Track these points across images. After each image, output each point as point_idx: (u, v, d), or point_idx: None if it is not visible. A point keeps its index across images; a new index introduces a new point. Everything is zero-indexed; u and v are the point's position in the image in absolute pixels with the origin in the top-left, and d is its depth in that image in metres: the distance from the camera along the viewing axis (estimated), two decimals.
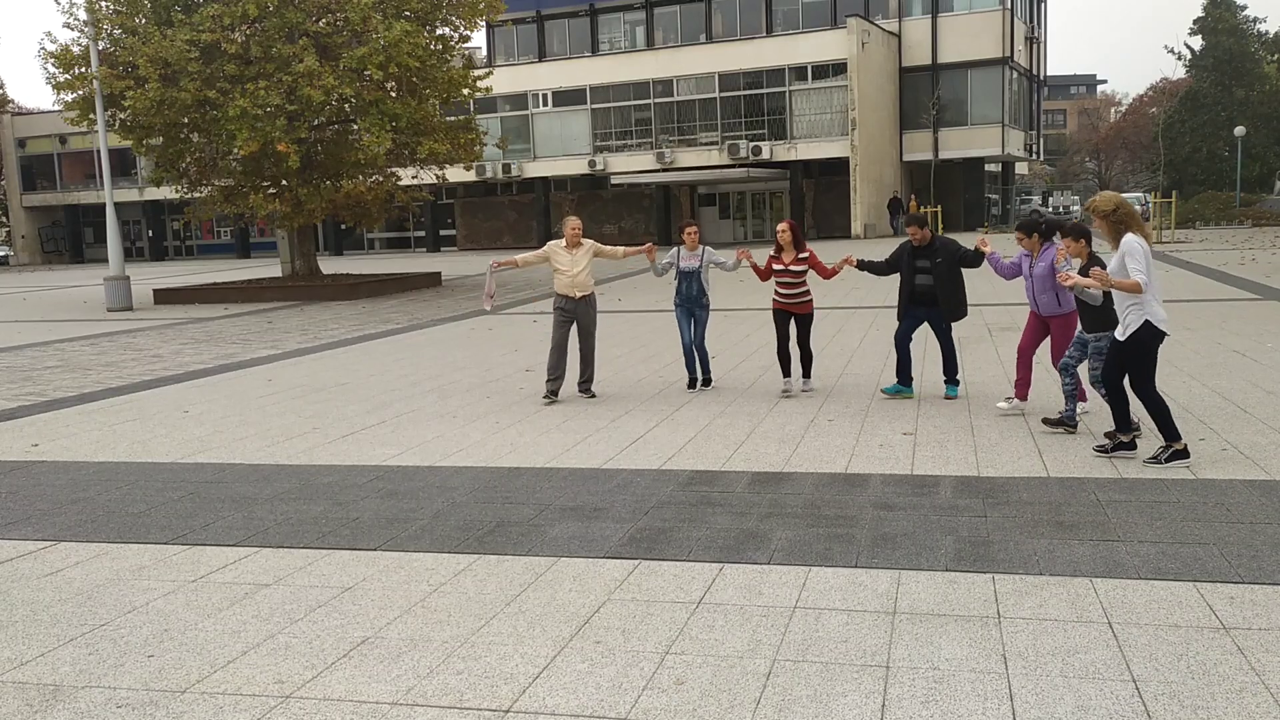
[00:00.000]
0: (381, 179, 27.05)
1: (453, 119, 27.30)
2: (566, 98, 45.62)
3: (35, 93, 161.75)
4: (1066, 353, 7.58)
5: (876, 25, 42.53)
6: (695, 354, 10.09)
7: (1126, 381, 6.64)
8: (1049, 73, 59.65)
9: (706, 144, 43.47)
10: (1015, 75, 45.33)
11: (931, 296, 8.95)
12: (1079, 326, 7.47)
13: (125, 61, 23.04)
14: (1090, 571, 4.79)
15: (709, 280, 9.99)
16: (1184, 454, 6.54)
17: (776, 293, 9.65)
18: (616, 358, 11.93)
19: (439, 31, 25.92)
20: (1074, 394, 7.54)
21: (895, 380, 9.32)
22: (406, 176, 28.74)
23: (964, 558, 5.03)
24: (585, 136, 45.58)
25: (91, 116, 24.12)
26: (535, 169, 46.58)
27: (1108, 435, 6.95)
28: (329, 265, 34.05)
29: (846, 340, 12.99)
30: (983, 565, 4.92)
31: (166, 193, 30.16)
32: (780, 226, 9.56)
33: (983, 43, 42.91)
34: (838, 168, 41.92)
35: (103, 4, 24.11)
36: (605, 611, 4.54)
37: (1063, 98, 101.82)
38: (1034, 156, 52.88)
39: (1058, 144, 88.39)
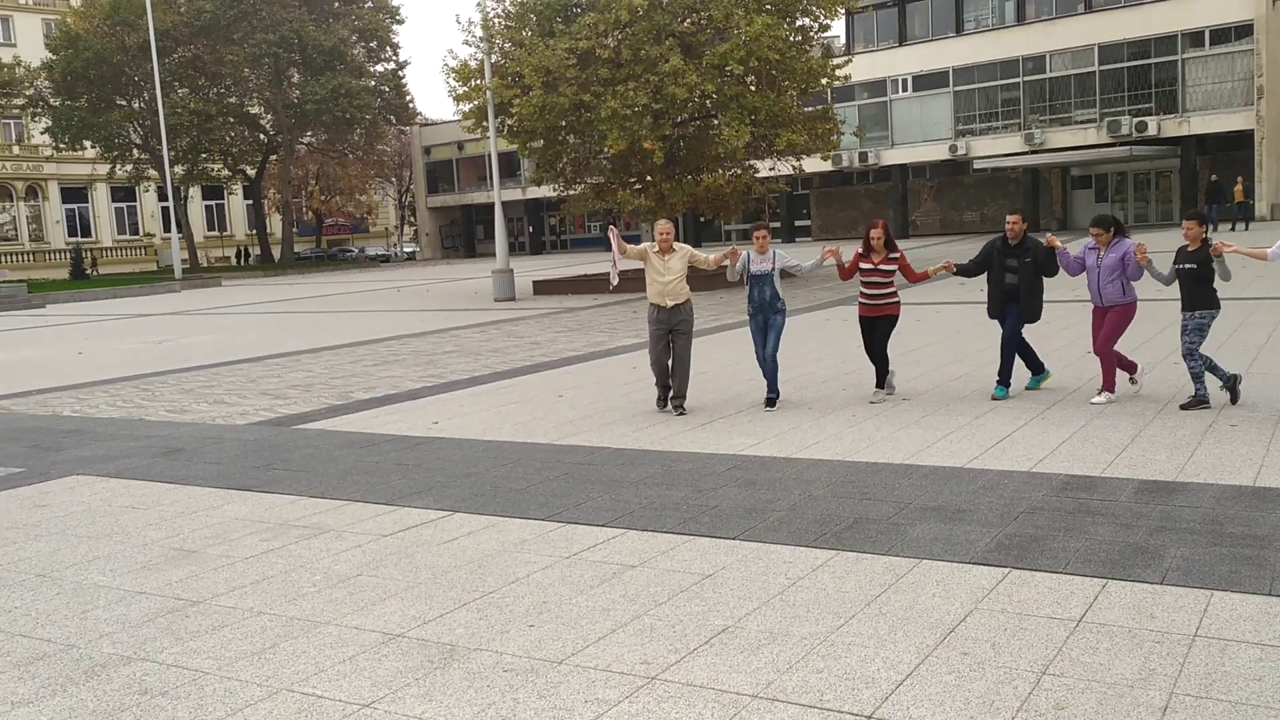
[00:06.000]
0: (740, 172, 27.55)
1: (810, 109, 27.27)
2: (927, 81, 44.13)
3: (437, 105, 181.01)
4: (1189, 339, 8.06)
5: None
6: (765, 367, 9.41)
7: None
8: None
9: (1082, 122, 40.37)
10: None
11: (1015, 295, 8.96)
12: (1189, 309, 8.11)
13: (513, 72, 25.09)
14: None
15: (781, 286, 9.36)
16: None
17: (862, 294, 9.36)
18: (979, 351, 11.35)
19: (799, 23, 25.97)
20: (1201, 375, 8.09)
21: (1031, 375, 9.30)
22: (764, 168, 29.08)
23: None
24: (946, 120, 43.86)
25: (484, 124, 26.50)
26: (893, 156, 45.48)
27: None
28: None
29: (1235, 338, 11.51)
30: None
31: (545, 191, 32.57)
32: (875, 232, 9.20)
33: None
34: (1238, 142, 37.38)
35: (496, 20, 26.43)
36: (972, 621, 4.31)
37: None
38: None
39: None
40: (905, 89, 44.79)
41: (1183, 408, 8.08)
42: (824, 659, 4.04)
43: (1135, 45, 39.01)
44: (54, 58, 50.71)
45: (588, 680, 3.99)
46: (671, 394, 9.35)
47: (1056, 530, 5.38)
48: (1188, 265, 8.18)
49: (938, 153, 44.17)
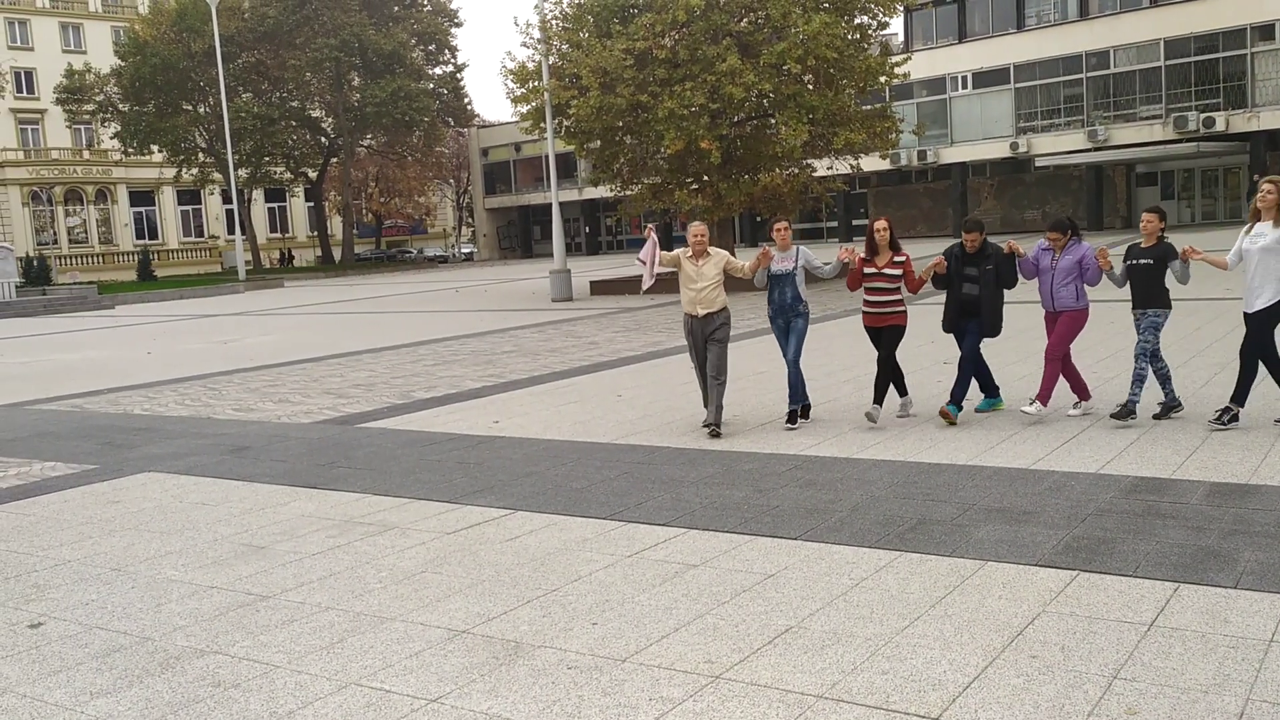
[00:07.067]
0: (797, 171, 27.41)
1: (868, 107, 27.05)
2: (988, 78, 43.56)
3: (495, 107, 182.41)
4: (1144, 339, 7.79)
5: None
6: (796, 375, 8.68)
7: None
8: None
9: (1147, 118, 39.57)
10: None
11: (976, 308, 8.32)
12: (1141, 308, 7.83)
13: (570, 73, 25.22)
14: None
15: (804, 286, 8.83)
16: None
17: (865, 302, 8.62)
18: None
19: (857, 20, 25.79)
20: (1143, 379, 7.76)
21: (983, 397, 8.73)
22: (822, 168, 28.91)
23: None
24: (1007, 118, 43.28)
25: (542, 125, 26.68)
26: (952, 154, 44.99)
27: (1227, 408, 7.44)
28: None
29: None
30: None
31: (601, 192, 32.72)
32: (879, 225, 8.49)
33: None
34: None
35: (553, 22, 26.60)
36: (1040, 624, 4.25)
37: None
38: None
39: None
40: (965, 86, 44.26)
41: (1113, 416, 7.70)
42: (889, 660, 4.01)
43: (1202, 39, 38.14)
44: (122, 64, 52.09)
45: (651, 678, 4.00)
46: (707, 406, 8.59)
47: (1126, 533, 5.29)
48: (1143, 260, 7.80)
49: (998, 150, 43.61)
